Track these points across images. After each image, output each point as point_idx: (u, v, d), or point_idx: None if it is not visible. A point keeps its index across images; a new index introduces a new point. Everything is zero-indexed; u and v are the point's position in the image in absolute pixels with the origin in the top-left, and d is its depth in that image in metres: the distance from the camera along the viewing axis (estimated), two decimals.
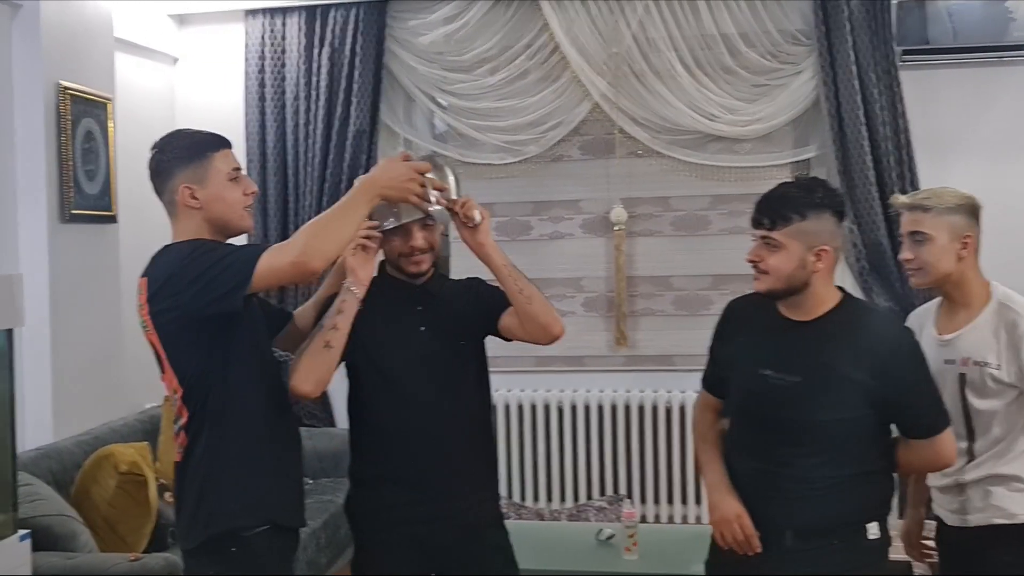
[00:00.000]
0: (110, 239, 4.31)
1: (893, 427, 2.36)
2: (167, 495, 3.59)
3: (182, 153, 2.31)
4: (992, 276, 2.61)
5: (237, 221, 2.35)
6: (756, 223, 2.32)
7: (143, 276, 2.29)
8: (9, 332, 2.81)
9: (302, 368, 2.34)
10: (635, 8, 4.70)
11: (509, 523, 2.67)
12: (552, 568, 3.49)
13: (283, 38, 5.02)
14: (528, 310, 2.42)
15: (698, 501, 4.75)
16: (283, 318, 2.61)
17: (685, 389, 4.72)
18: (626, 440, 4.88)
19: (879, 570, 2.36)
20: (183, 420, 2.30)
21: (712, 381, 2.58)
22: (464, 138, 5.03)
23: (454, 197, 2.43)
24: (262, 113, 5.04)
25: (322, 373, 2.34)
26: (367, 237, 2.36)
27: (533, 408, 4.93)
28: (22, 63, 3.89)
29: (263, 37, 5.02)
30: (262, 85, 5.04)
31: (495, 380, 2.69)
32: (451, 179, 2.47)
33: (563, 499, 4.93)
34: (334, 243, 2.21)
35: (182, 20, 5.22)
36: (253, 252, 2.19)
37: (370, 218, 2.36)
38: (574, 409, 4.91)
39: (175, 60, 5.24)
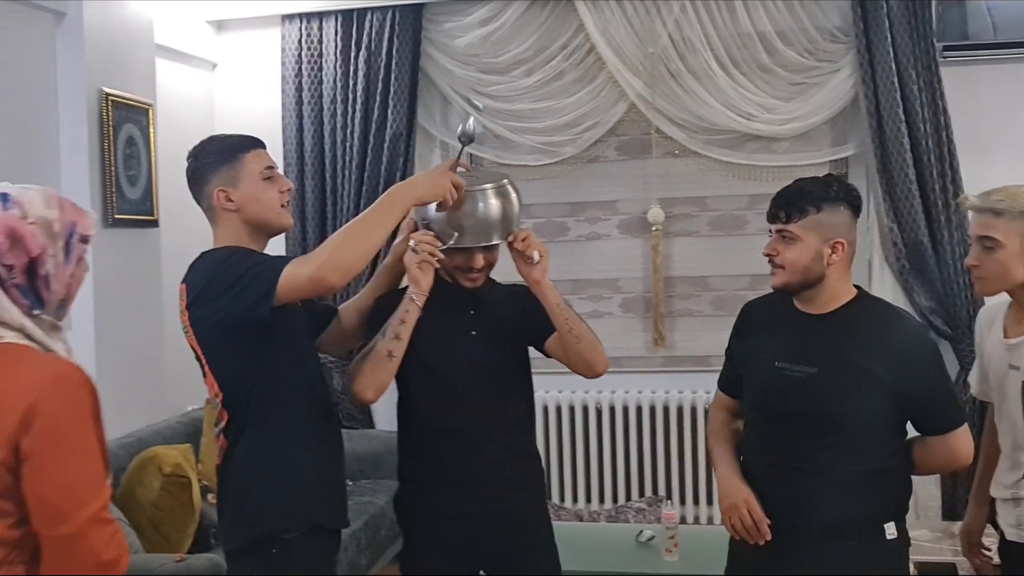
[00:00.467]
0: (152, 243, 4.36)
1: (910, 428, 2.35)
2: (210, 496, 3.63)
3: (214, 158, 2.34)
4: None
5: (276, 220, 2.37)
6: (772, 217, 2.33)
7: (183, 282, 2.32)
8: None
9: (364, 376, 2.39)
10: (671, 8, 4.68)
11: None
12: (592, 569, 3.49)
13: (320, 42, 5.05)
14: (575, 348, 2.48)
15: None
16: (328, 314, 2.62)
17: None
18: (665, 441, 4.86)
19: (899, 572, 2.33)
20: (223, 423, 2.33)
21: (728, 381, 2.58)
22: (500, 140, 5.04)
23: (513, 228, 2.48)
24: (299, 117, 5.08)
25: (383, 381, 2.40)
26: (431, 254, 2.39)
27: (571, 409, 4.93)
28: (66, 71, 3.96)
29: (300, 41, 5.06)
30: (299, 89, 5.08)
31: (533, 382, 2.71)
32: (515, 199, 2.50)
33: (602, 500, 4.93)
34: (358, 256, 2.22)
35: (220, 26, 5.28)
36: (278, 264, 2.19)
37: (431, 232, 2.41)
38: (612, 410, 4.91)
39: (213, 65, 5.29)
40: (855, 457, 2.24)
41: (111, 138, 4.04)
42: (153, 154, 4.36)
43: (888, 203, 4.50)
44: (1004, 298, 2.52)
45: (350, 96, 5.00)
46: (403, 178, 4.90)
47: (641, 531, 3.87)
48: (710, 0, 4.67)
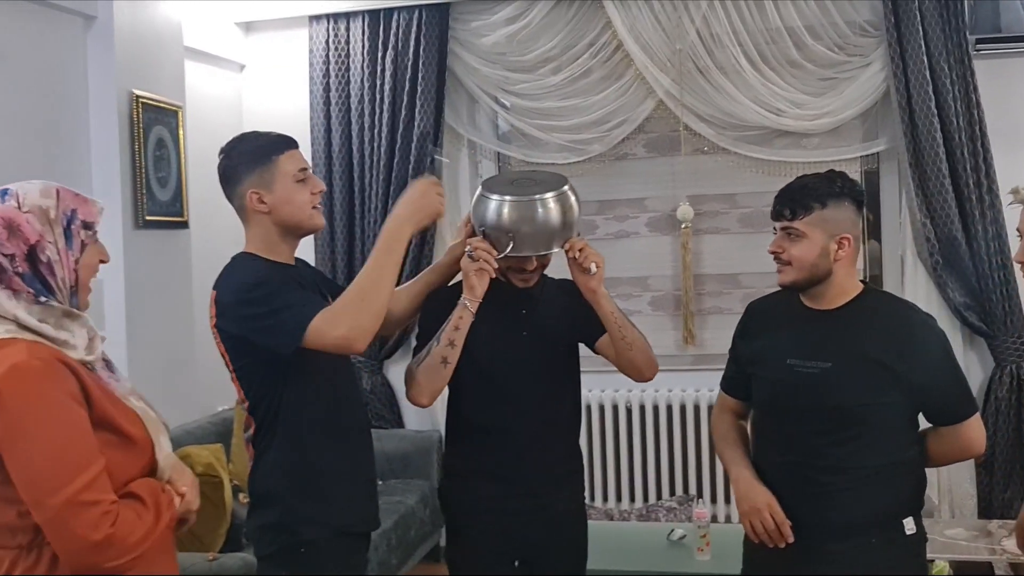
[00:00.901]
0: (182, 244, 4.39)
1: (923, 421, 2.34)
2: (241, 496, 3.65)
3: (248, 158, 2.33)
4: None
5: (308, 221, 2.37)
6: (777, 215, 2.33)
7: (214, 288, 2.32)
8: None
9: (420, 383, 2.45)
10: (699, 4, 4.65)
11: None
12: (624, 568, 3.48)
13: (347, 42, 5.06)
14: (627, 355, 2.52)
15: None
16: None
17: None
18: (696, 439, 4.84)
19: (919, 567, 2.33)
20: (251, 431, 2.35)
21: (733, 383, 2.58)
22: (528, 138, 5.03)
23: (573, 233, 2.46)
24: (327, 117, 5.09)
25: (438, 387, 2.47)
26: (487, 262, 2.39)
27: (601, 408, 4.92)
28: (96, 74, 3.99)
29: (327, 42, 5.08)
30: (327, 90, 5.09)
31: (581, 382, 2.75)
32: (574, 205, 2.47)
33: (633, 499, 4.91)
34: (377, 314, 2.20)
35: (248, 27, 5.30)
36: (307, 312, 2.17)
37: (487, 239, 2.40)
38: (643, 409, 4.89)
39: (242, 67, 5.32)
40: (871, 451, 2.24)
41: (141, 140, 4.07)
42: (183, 156, 4.38)
43: (921, 198, 4.45)
44: None
45: (377, 96, 5.00)
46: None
47: (673, 530, 3.85)
48: None
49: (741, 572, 2.51)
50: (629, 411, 4.90)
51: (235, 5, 5.07)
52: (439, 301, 2.55)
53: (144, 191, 4.08)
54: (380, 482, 4.59)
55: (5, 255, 1.72)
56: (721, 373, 4.90)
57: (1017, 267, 2.45)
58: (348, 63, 5.07)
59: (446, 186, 4.96)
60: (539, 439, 2.57)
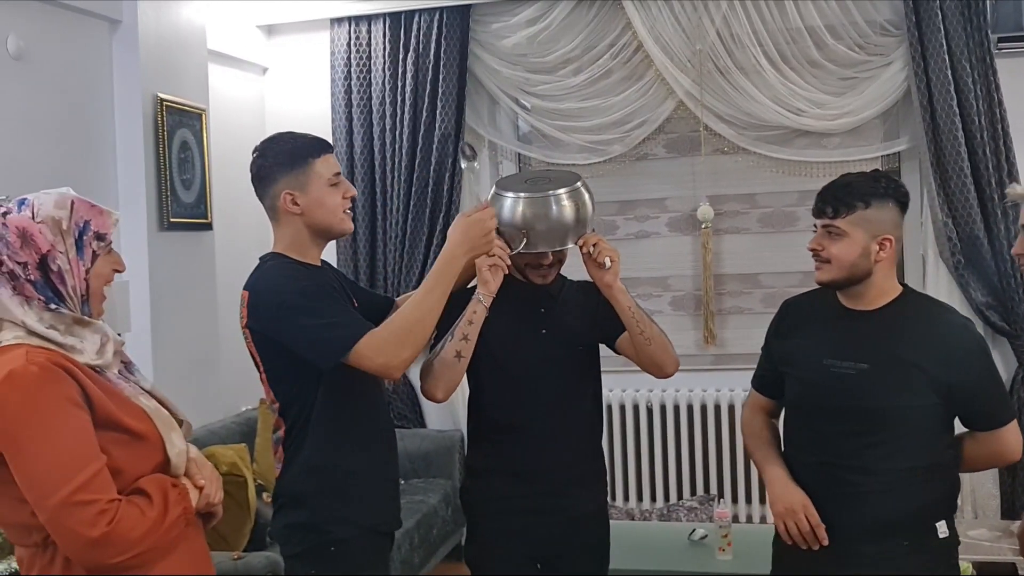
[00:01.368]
0: (206, 246, 4.43)
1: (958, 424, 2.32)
2: (265, 495, 3.69)
3: (283, 159, 2.34)
4: None
5: (338, 225, 2.38)
6: (818, 212, 2.31)
7: (245, 288, 2.33)
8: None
9: (434, 377, 2.44)
10: (719, 4, 4.65)
11: None
12: (645, 568, 3.48)
13: (368, 45, 5.09)
14: (646, 350, 2.51)
15: None
16: (385, 306, 2.62)
17: None
18: (716, 439, 4.84)
19: (951, 571, 2.31)
20: (280, 433, 2.37)
21: (765, 381, 2.56)
22: (548, 139, 5.04)
23: (587, 229, 2.47)
24: (349, 119, 5.12)
25: (452, 381, 2.45)
26: (501, 258, 2.40)
27: (622, 408, 4.92)
28: (122, 77, 4.04)
29: (349, 44, 5.10)
30: (348, 92, 5.12)
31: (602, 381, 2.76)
32: (588, 202, 2.48)
33: (654, 499, 4.91)
34: (419, 346, 2.24)
35: (270, 30, 5.34)
36: (353, 334, 2.19)
37: (501, 237, 2.41)
38: (663, 409, 4.90)
39: (264, 70, 5.36)
40: (905, 454, 2.22)
41: (166, 143, 4.11)
42: (207, 158, 4.42)
43: (942, 197, 4.44)
44: None
45: (399, 98, 5.03)
46: (451, 179, 4.94)
47: (694, 530, 3.86)
48: None
49: (771, 572, 2.49)
50: (649, 411, 4.90)
51: (257, 8, 5.11)
52: (458, 300, 2.54)
53: (168, 193, 4.12)
54: (402, 482, 4.66)
55: (18, 263, 1.76)
56: (742, 373, 4.91)
57: None
58: (369, 65, 5.09)
59: (465, 187, 5.01)
60: (559, 438, 2.58)
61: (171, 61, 4.23)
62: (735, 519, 4.66)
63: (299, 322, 2.20)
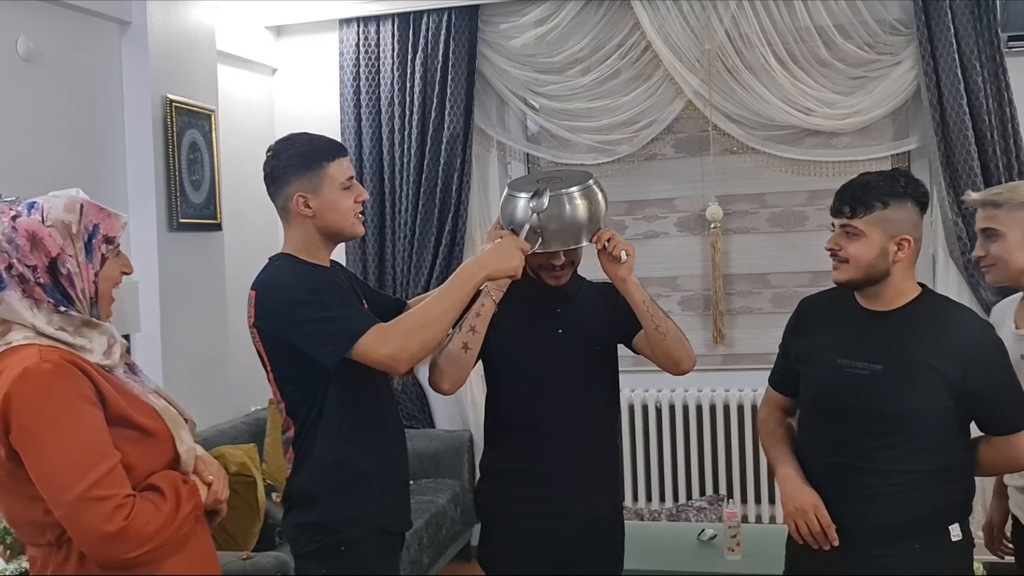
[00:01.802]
0: (216, 246, 4.44)
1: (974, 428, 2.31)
2: (275, 495, 3.70)
3: (297, 161, 2.34)
4: None
5: (349, 229, 2.39)
6: (836, 211, 2.29)
7: (252, 288, 2.34)
8: (126, 338, 2.91)
9: (441, 368, 2.46)
10: (727, 4, 4.65)
11: None
12: (655, 568, 3.48)
13: (377, 45, 5.10)
14: (661, 345, 2.52)
15: None
16: (397, 307, 2.61)
17: None
18: (725, 439, 4.83)
19: (964, 574, 2.29)
20: (290, 434, 2.37)
21: (781, 379, 2.54)
22: (557, 139, 5.04)
23: (600, 226, 2.48)
24: (358, 120, 5.13)
25: (459, 374, 2.47)
26: None
27: (631, 408, 4.92)
28: (131, 78, 4.06)
29: (357, 45, 5.11)
30: (357, 92, 5.12)
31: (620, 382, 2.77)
32: (601, 200, 2.49)
33: (663, 499, 4.91)
34: (428, 345, 2.24)
35: (279, 31, 5.35)
36: (360, 326, 2.20)
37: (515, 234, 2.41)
38: (672, 409, 4.89)
39: (273, 71, 5.37)
40: (919, 456, 2.20)
41: (175, 144, 4.13)
42: (216, 159, 4.44)
43: (952, 197, 4.42)
44: (1015, 298, 2.61)
45: (407, 98, 5.04)
46: (460, 178, 4.94)
47: (703, 530, 3.85)
48: None
49: (783, 573, 2.49)
50: (659, 411, 4.90)
51: (266, 9, 5.12)
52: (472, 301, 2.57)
53: (178, 194, 4.13)
54: (411, 482, 4.65)
55: (28, 266, 1.78)
56: (751, 373, 4.92)
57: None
58: (378, 66, 5.10)
59: (475, 188, 5.02)
60: (574, 439, 2.58)
61: (180, 62, 4.24)
62: (744, 519, 4.65)
63: (306, 319, 2.21)
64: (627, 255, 2.43)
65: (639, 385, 4.86)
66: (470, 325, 2.43)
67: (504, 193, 2.54)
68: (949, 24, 4.37)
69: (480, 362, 2.60)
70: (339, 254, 4.90)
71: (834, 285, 2.37)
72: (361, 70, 5.11)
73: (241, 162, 4.65)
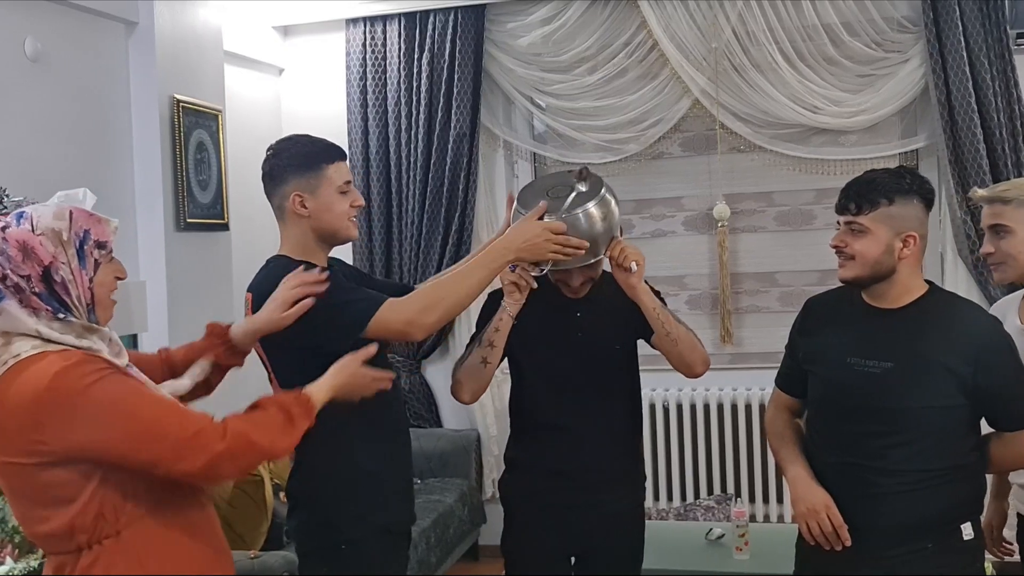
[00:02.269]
0: (223, 246, 4.44)
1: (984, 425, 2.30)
2: (282, 495, 3.68)
3: (296, 161, 2.35)
4: None
5: (343, 231, 2.40)
6: (841, 208, 2.29)
7: (249, 290, 2.35)
8: (134, 337, 2.92)
9: (461, 382, 2.59)
10: (734, 2, 4.64)
11: None
12: (663, 567, 3.47)
13: (383, 45, 5.10)
14: (673, 351, 2.57)
15: None
16: (403, 291, 2.56)
17: None
18: (733, 439, 4.82)
19: (976, 573, 2.28)
20: None
21: (789, 379, 2.54)
22: (563, 138, 5.04)
23: (615, 233, 2.49)
24: (364, 119, 5.13)
25: (479, 386, 2.60)
26: (526, 281, 2.45)
27: None
28: (138, 79, 4.06)
29: (364, 45, 5.11)
30: (364, 92, 5.13)
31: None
32: (614, 208, 2.49)
33: (671, 498, 4.90)
34: (444, 316, 2.26)
35: (286, 31, 5.36)
36: (373, 302, 2.22)
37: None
38: (680, 408, 4.88)
39: (280, 70, 5.37)
40: (930, 455, 2.19)
41: (182, 144, 4.13)
42: (223, 159, 4.44)
43: (960, 195, 4.41)
44: (1016, 295, 2.63)
45: (414, 98, 5.04)
46: (467, 178, 4.94)
47: (711, 529, 3.84)
48: None
49: (794, 573, 2.48)
50: (666, 410, 4.89)
51: (273, 9, 5.12)
52: (489, 306, 2.62)
53: (185, 194, 4.14)
54: (419, 481, 4.67)
55: (22, 276, 1.77)
56: (759, 372, 4.91)
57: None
58: (385, 65, 5.10)
59: (481, 188, 5.02)
60: (597, 436, 2.64)
61: (187, 62, 4.24)
62: (752, 518, 4.64)
63: (309, 315, 2.20)
64: (637, 265, 2.45)
65: (647, 384, 4.75)
66: (489, 340, 2.50)
67: (513, 208, 2.54)
68: (957, 21, 4.36)
69: (505, 360, 2.68)
70: (346, 254, 4.91)
71: (840, 284, 2.36)
72: (368, 70, 5.11)
73: (248, 162, 4.61)
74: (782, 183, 4.89)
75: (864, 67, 4.61)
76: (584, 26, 4.86)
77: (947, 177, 4.44)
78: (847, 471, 2.26)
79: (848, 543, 2.22)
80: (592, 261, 2.50)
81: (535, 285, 2.46)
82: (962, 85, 4.36)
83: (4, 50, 3.49)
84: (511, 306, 2.47)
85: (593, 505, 2.63)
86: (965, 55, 4.35)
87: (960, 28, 4.36)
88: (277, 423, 1.87)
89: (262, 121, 5.13)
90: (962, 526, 2.23)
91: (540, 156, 5.17)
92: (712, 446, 4.85)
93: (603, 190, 2.48)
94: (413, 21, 5.04)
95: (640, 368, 2.79)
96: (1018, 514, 2.65)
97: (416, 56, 5.03)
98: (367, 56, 5.11)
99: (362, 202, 2.45)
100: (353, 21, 5.14)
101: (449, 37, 4.94)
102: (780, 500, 4.74)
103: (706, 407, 4.85)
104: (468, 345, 2.64)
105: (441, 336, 5.02)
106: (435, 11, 4.97)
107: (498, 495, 2.83)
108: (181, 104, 4.13)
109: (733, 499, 4.48)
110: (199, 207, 4.25)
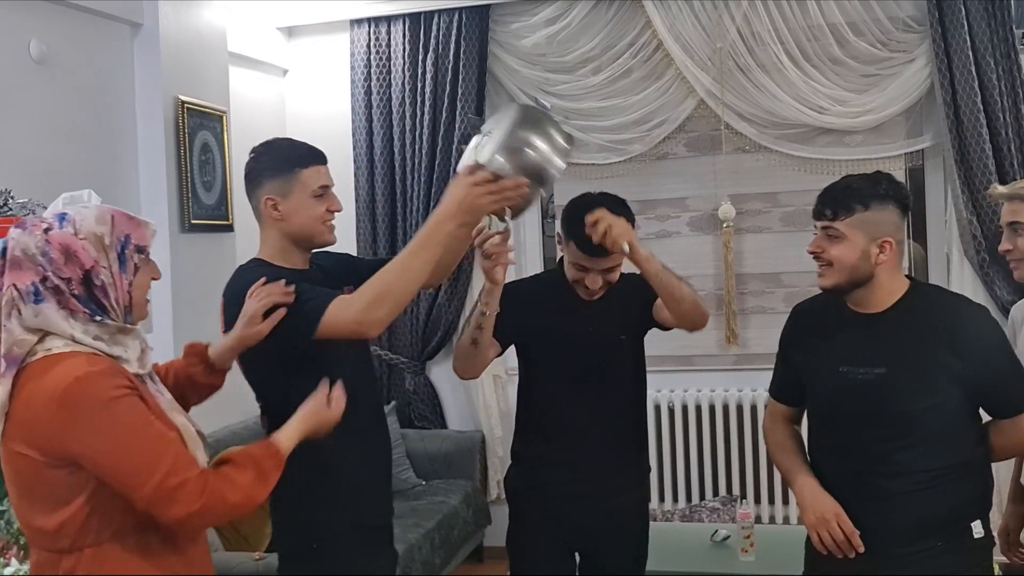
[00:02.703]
0: (227, 247, 4.44)
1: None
2: None
3: (272, 164, 2.36)
4: None
5: (319, 236, 2.38)
6: (818, 214, 2.29)
7: (223, 295, 2.35)
8: None
9: (456, 360, 2.69)
10: (739, 2, 4.63)
11: None
12: (668, 569, 3.46)
13: (388, 46, 5.10)
14: (678, 310, 2.62)
15: None
16: None
17: None
18: (738, 440, 4.81)
19: (986, 571, 2.28)
20: (266, 431, 2.35)
21: (782, 388, 2.53)
22: None
23: (554, 158, 2.26)
24: (369, 120, 5.13)
25: (470, 364, 2.66)
26: (500, 254, 2.43)
27: None
28: (143, 80, 4.06)
29: (368, 46, 5.11)
30: (368, 93, 5.12)
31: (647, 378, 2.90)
32: (545, 126, 2.30)
33: (675, 500, 4.89)
34: (395, 308, 2.15)
35: (290, 32, 5.36)
36: (321, 302, 2.17)
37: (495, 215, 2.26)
38: (685, 409, 4.87)
39: (285, 72, 5.37)
40: (935, 453, 2.19)
41: (187, 145, 4.13)
42: (227, 160, 4.44)
43: (967, 195, 4.40)
44: None
45: (418, 99, 5.03)
46: None
47: (716, 531, 3.84)
48: None
49: (803, 574, 2.46)
50: (672, 411, 4.88)
51: (277, 10, 5.12)
52: (518, 298, 2.65)
53: (190, 195, 4.14)
54: (423, 482, 4.66)
55: (62, 278, 1.78)
56: (764, 373, 4.82)
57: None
58: (389, 66, 5.10)
59: None
60: (601, 430, 2.69)
61: (192, 64, 4.25)
62: (758, 520, 4.63)
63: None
64: (629, 246, 2.47)
65: (652, 385, 4.74)
66: (477, 323, 2.56)
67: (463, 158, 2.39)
68: (963, 21, 4.34)
69: (515, 355, 2.81)
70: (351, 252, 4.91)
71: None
72: (372, 70, 5.11)
73: None
74: (787, 183, 4.88)
75: (869, 67, 4.59)
76: (589, 26, 4.85)
77: (953, 177, 4.42)
78: (854, 478, 2.26)
79: (861, 550, 2.21)
80: (549, 193, 2.47)
81: (507, 253, 2.43)
82: (968, 85, 4.35)
83: (9, 52, 3.49)
84: (490, 304, 2.52)
85: (599, 496, 2.67)
86: (971, 55, 4.34)
87: (966, 28, 4.34)
88: (249, 480, 1.85)
89: (266, 122, 5.12)
90: (972, 524, 2.23)
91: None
92: (717, 447, 4.84)
93: (514, 121, 2.27)
94: (417, 22, 5.03)
95: (647, 369, 2.84)
96: None
97: (420, 57, 5.03)
98: (371, 57, 5.11)
99: (340, 207, 2.41)
100: (357, 22, 5.14)
101: (453, 38, 4.94)
102: (786, 502, 4.72)
103: (711, 408, 4.84)
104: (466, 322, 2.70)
105: (445, 338, 5.02)
106: (439, 11, 4.97)
107: (503, 495, 2.86)
108: (186, 105, 4.13)
109: (739, 500, 4.48)
110: (203, 208, 4.25)
